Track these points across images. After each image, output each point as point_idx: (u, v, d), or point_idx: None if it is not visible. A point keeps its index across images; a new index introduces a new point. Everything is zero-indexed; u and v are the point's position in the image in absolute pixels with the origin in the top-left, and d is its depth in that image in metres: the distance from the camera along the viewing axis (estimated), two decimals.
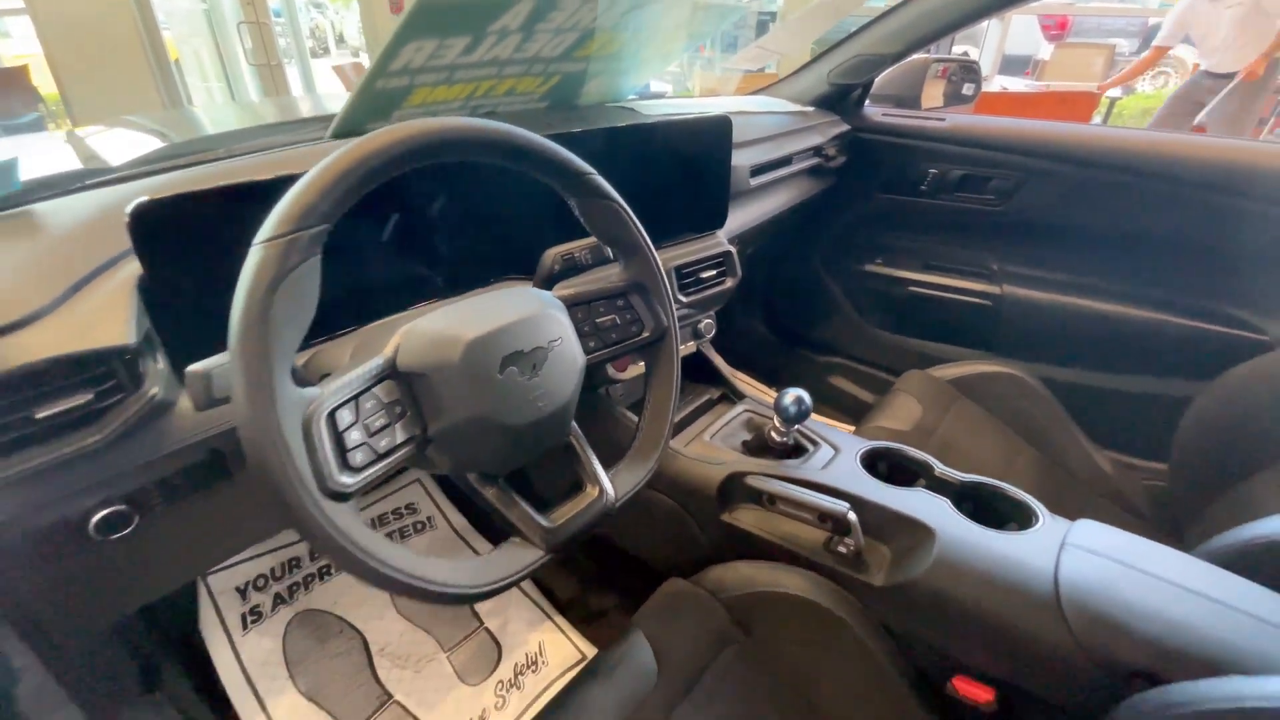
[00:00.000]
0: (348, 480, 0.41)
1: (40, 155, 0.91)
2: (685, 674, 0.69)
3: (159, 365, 0.51)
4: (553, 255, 0.70)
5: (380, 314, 0.63)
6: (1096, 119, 4.60)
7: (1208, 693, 0.47)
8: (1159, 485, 1.18)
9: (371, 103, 0.76)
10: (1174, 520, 1.06)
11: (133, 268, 0.51)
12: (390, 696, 0.93)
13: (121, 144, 0.93)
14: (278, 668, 0.94)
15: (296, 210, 0.40)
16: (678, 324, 0.67)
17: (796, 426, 0.88)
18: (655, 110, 1.05)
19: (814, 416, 0.86)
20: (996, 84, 3.90)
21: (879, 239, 1.53)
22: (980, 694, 0.66)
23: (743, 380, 1.09)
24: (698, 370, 1.09)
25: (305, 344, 0.43)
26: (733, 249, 1.02)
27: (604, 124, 0.85)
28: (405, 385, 0.46)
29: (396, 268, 0.67)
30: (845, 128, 1.40)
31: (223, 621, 0.96)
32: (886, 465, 0.86)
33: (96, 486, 0.51)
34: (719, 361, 1.09)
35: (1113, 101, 4.21)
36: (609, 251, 0.63)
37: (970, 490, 0.79)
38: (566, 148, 0.54)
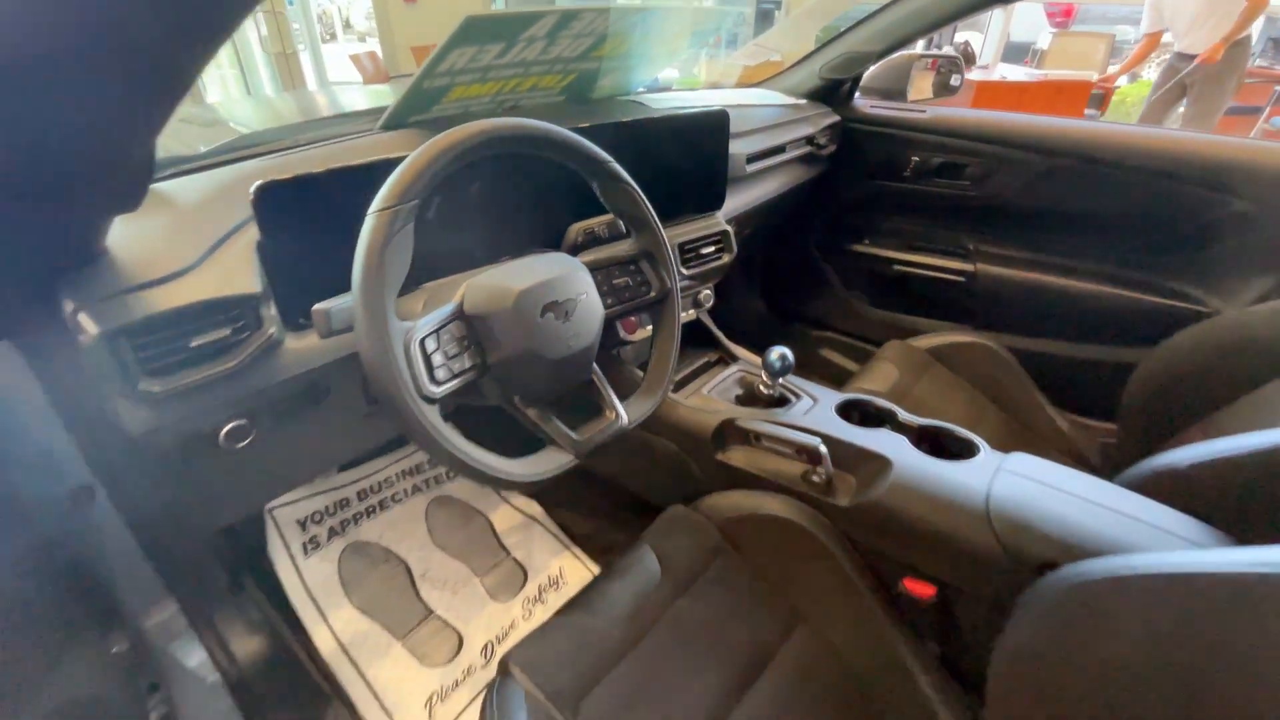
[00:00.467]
0: (434, 389, 0.55)
1: None
2: (684, 577, 0.84)
3: (272, 311, 0.66)
4: (576, 229, 0.84)
5: (437, 276, 0.77)
6: (1094, 111, 4.69)
7: (1090, 569, 0.61)
8: (1110, 442, 1.32)
9: (417, 100, 0.89)
10: (1118, 470, 1.20)
11: (252, 232, 0.65)
12: (431, 611, 1.09)
13: (197, 133, 1.07)
14: (334, 587, 1.09)
15: (399, 189, 0.54)
16: (679, 288, 0.81)
17: (781, 380, 1.02)
18: (661, 103, 1.18)
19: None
20: (998, 73, 3.97)
21: (867, 221, 1.66)
22: (924, 590, 0.81)
23: (737, 347, 1.23)
24: (697, 336, 1.23)
25: None
26: (730, 229, 1.15)
27: (615, 116, 0.98)
28: (470, 325, 0.61)
29: (447, 239, 0.81)
30: (836, 119, 1.53)
31: (288, 548, 1.12)
32: (859, 414, 1.00)
33: (228, 404, 0.65)
34: (716, 329, 1.23)
35: (1107, 92, 4.27)
36: (623, 226, 0.77)
37: (926, 432, 0.93)
38: (589, 140, 0.68)
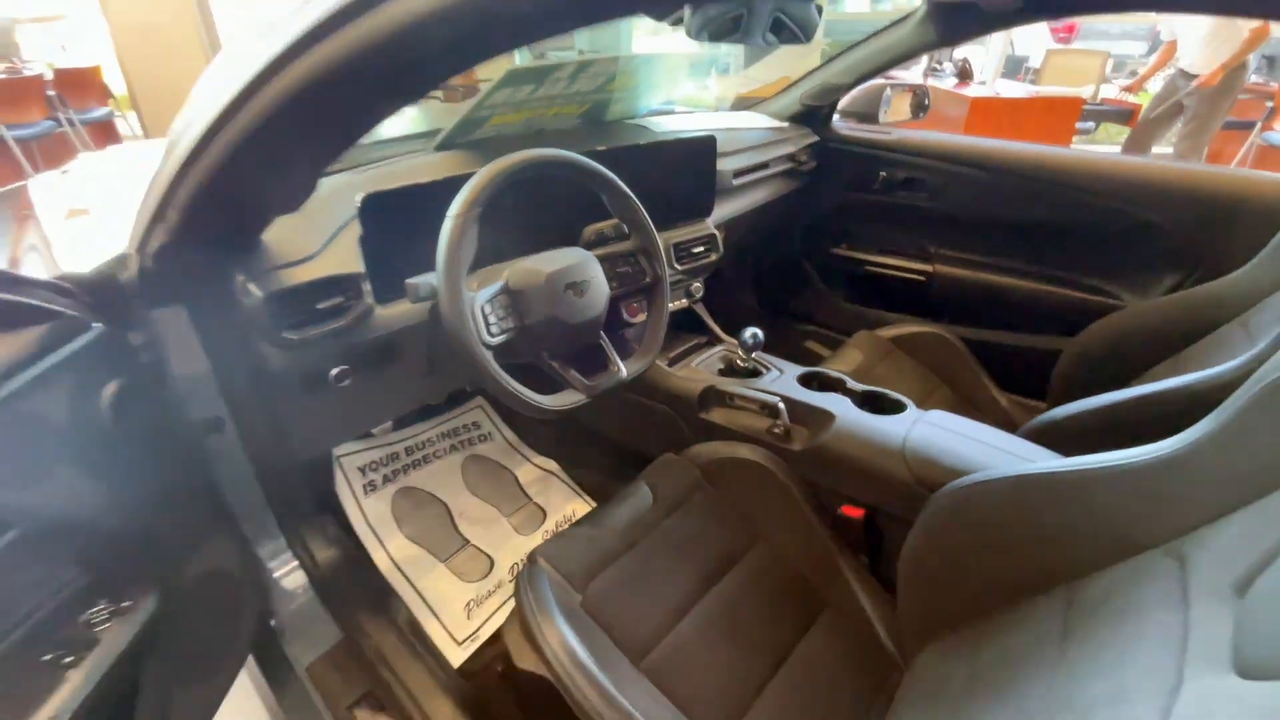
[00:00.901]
0: (490, 339, 0.80)
1: None
2: (670, 504, 1.07)
3: (368, 286, 0.90)
4: (590, 230, 1.09)
5: (488, 263, 1.02)
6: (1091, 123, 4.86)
7: (961, 483, 0.82)
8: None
9: (465, 128, 1.14)
10: None
11: (355, 229, 0.90)
12: (468, 541, 1.33)
13: None
14: (389, 520, 1.34)
15: (470, 199, 0.78)
16: (669, 280, 1.05)
17: (754, 355, 1.25)
18: (662, 126, 1.42)
19: None
20: (995, 89, 4.16)
21: (843, 228, 1.90)
22: (855, 513, 1.04)
23: (722, 332, 1.46)
24: (690, 323, 1.47)
25: None
26: (718, 233, 1.39)
27: (623, 139, 1.22)
28: (513, 297, 0.85)
29: (495, 235, 1.05)
30: (815, 139, 1.76)
31: (351, 488, 1.37)
32: (817, 383, 1.23)
33: (337, 353, 0.90)
34: (706, 316, 1.46)
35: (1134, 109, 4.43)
36: (625, 228, 1.02)
37: (867, 396, 1.16)
38: (600, 162, 0.92)
